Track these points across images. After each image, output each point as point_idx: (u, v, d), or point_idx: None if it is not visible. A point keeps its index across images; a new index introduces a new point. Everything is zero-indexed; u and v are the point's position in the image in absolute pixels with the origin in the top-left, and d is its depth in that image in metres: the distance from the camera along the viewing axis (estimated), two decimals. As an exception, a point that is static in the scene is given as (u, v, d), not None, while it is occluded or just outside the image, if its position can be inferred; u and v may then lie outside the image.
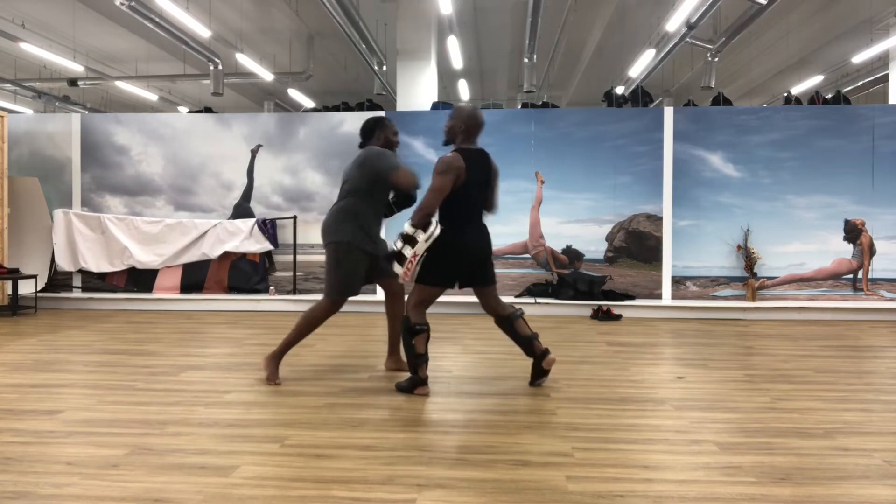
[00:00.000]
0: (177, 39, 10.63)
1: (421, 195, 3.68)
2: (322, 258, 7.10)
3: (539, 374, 3.74)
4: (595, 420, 3.06)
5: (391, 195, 4.00)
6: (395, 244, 3.49)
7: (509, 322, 3.69)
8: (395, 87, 10.79)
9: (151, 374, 4.01)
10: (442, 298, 7.23)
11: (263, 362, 3.85)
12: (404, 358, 4.08)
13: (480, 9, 12.16)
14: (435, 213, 3.48)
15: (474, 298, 6.95)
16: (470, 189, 3.52)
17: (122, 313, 7.04)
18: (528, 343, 3.68)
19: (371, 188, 3.76)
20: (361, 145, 3.97)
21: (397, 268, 3.45)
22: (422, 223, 3.41)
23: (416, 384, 3.53)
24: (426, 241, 3.40)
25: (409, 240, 3.42)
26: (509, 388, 3.70)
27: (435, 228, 3.44)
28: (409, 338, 3.49)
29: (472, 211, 3.57)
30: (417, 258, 3.41)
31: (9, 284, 6.99)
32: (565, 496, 2.18)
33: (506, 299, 7.10)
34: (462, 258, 3.52)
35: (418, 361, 3.50)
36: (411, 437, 2.80)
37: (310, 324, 3.76)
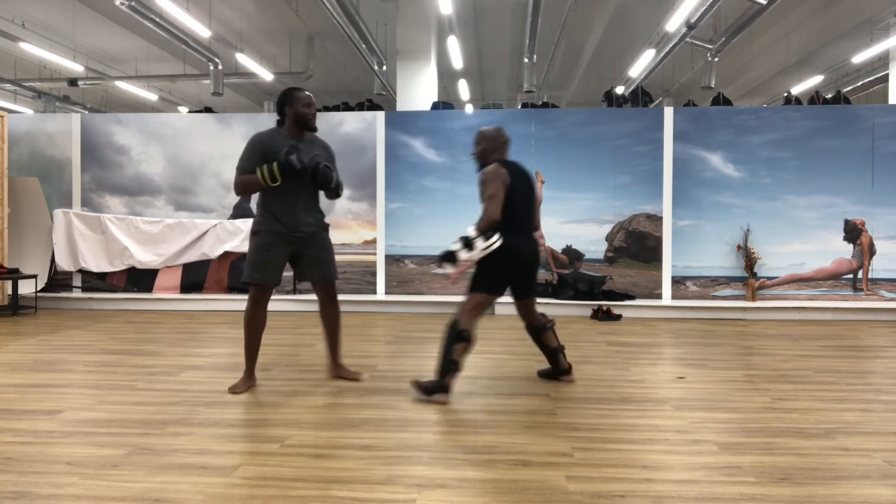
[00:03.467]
0: (177, 39, 10.63)
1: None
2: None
3: (549, 376, 3.87)
4: (595, 420, 3.06)
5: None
6: (452, 244, 3.44)
7: (539, 332, 3.76)
8: (395, 87, 10.79)
9: (151, 374, 4.01)
10: (442, 299, 7.24)
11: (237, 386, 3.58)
12: (347, 366, 3.91)
13: (480, 9, 12.15)
14: (497, 221, 3.45)
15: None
16: (515, 199, 3.55)
17: (122, 313, 7.04)
18: (553, 354, 3.78)
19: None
20: (279, 123, 3.62)
21: (448, 267, 3.41)
22: (484, 230, 3.41)
23: (437, 389, 3.38)
24: (483, 249, 3.39)
25: (467, 244, 3.39)
26: (509, 388, 3.69)
27: (496, 240, 3.43)
28: (452, 341, 3.38)
29: (520, 221, 3.59)
30: (470, 264, 3.41)
31: (9, 284, 6.99)
32: (565, 496, 2.18)
33: (507, 299, 7.11)
34: (515, 265, 3.54)
35: (450, 368, 3.37)
36: (411, 437, 2.80)
37: (246, 325, 3.64)
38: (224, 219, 7.67)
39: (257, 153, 3.46)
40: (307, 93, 3.59)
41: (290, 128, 3.56)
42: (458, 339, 3.38)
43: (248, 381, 3.61)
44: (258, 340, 3.67)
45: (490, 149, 3.67)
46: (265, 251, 3.55)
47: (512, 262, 3.52)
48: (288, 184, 3.45)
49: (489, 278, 3.50)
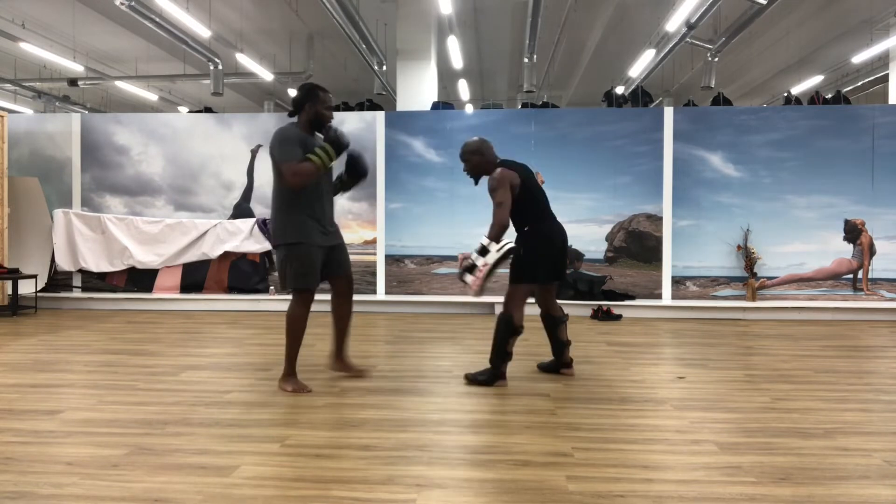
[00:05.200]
0: (177, 39, 10.63)
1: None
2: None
3: (551, 370, 4.07)
4: (595, 420, 3.06)
5: (341, 173, 3.69)
6: (471, 256, 3.64)
7: (556, 323, 3.98)
8: (395, 87, 10.79)
9: (151, 374, 4.01)
10: (442, 298, 7.24)
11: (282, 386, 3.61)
12: (349, 360, 3.97)
13: (480, 9, 12.15)
14: (508, 226, 3.66)
15: (474, 299, 6.97)
16: (531, 191, 3.77)
17: (122, 313, 7.04)
18: (561, 347, 4.01)
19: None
20: (290, 115, 3.54)
21: (468, 277, 3.62)
22: (496, 237, 3.61)
23: (496, 377, 3.73)
24: (498, 251, 3.60)
25: (482, 251, 3.61)
26: (509, 388, 3.69)
27: (507, 243, 3.66)
28: (508, 335, 3.68)
29: (542, 209, 3.82)
30: (487, 268, 3.59)
31: (9, 284, 6.99)
32: (565, 496, 2.18)
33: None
34: (549, 250, 3.75)
35: (506, 359, 3.73)
36: (411, 437, 2.80)
37: (293, 326, 3.60)
38: (224, 219, 7.67)
39: (299, 144, 3.38)
40: (331, 95, 3.58)
41: (305, 125, 3.50)
42: (513, 334, 3.69)
43: (295, 380, 3.62)
44: (300, 342, 3.67)
45: (483, 161, 3.83)
46: (309, 261, 3.52)
47: (545, 248, 3.74)
48: (318, 180, 3.46)
49: (529, 267, 3.70)
